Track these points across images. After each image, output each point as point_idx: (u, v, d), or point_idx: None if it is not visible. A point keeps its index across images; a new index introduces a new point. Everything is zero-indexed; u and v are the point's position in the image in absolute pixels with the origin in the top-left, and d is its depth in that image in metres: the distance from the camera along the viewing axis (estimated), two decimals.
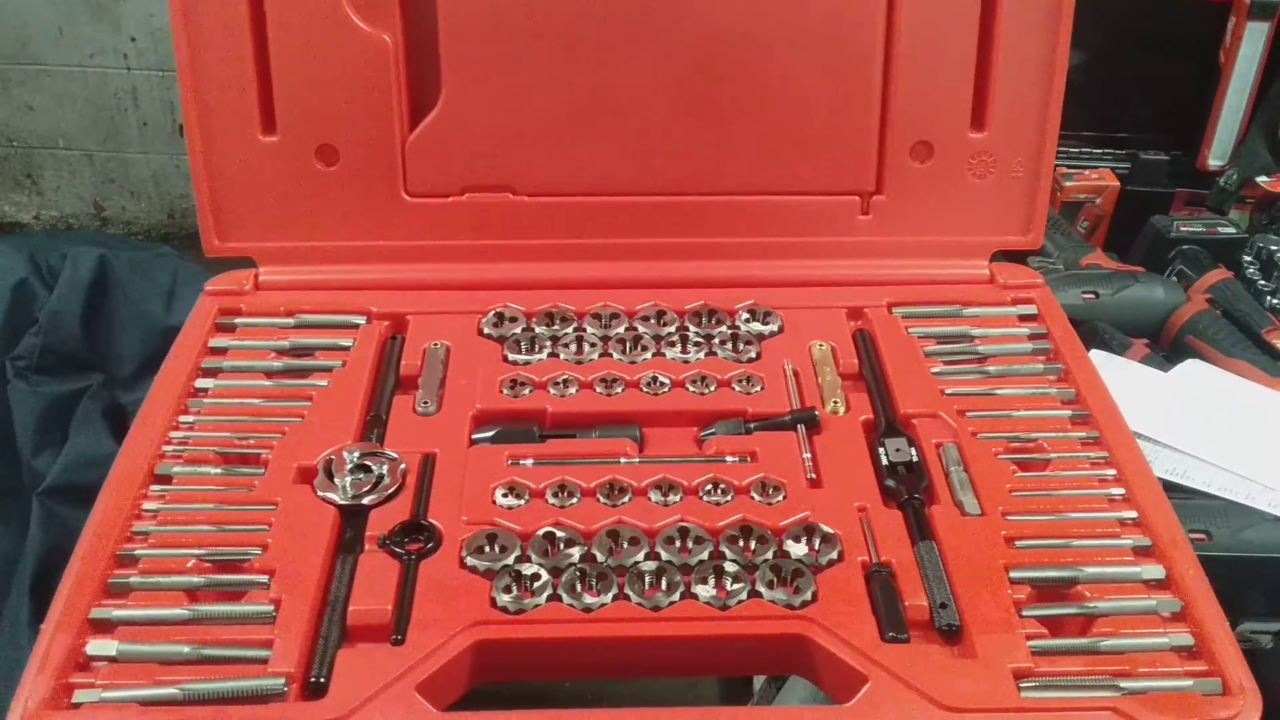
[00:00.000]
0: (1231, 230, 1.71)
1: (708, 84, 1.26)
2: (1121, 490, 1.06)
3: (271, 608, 0.94)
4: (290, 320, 1.24)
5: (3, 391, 1.97)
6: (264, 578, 0.97)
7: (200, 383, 1.16)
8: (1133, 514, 1.04)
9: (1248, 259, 1.70)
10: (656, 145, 1.28)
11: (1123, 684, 0.90)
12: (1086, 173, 1.81)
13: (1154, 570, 0.99)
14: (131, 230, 3.98)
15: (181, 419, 1.12)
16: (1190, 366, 1.43)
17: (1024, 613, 0.95)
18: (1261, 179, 1.78)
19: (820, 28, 1.25)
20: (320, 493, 1.05)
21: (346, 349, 1.21)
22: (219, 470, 1.07)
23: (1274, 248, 1.70)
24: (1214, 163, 1.85)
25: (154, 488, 1.05)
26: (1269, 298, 1.62)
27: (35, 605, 1.81)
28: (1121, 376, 1.37)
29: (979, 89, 1.27)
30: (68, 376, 2.02)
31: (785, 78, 1.26)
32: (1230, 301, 1.57)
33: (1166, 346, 1.53)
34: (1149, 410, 1.31)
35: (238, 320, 1.24)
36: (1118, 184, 1.79)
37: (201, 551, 0.98)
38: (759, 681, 1.93)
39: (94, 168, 3.88)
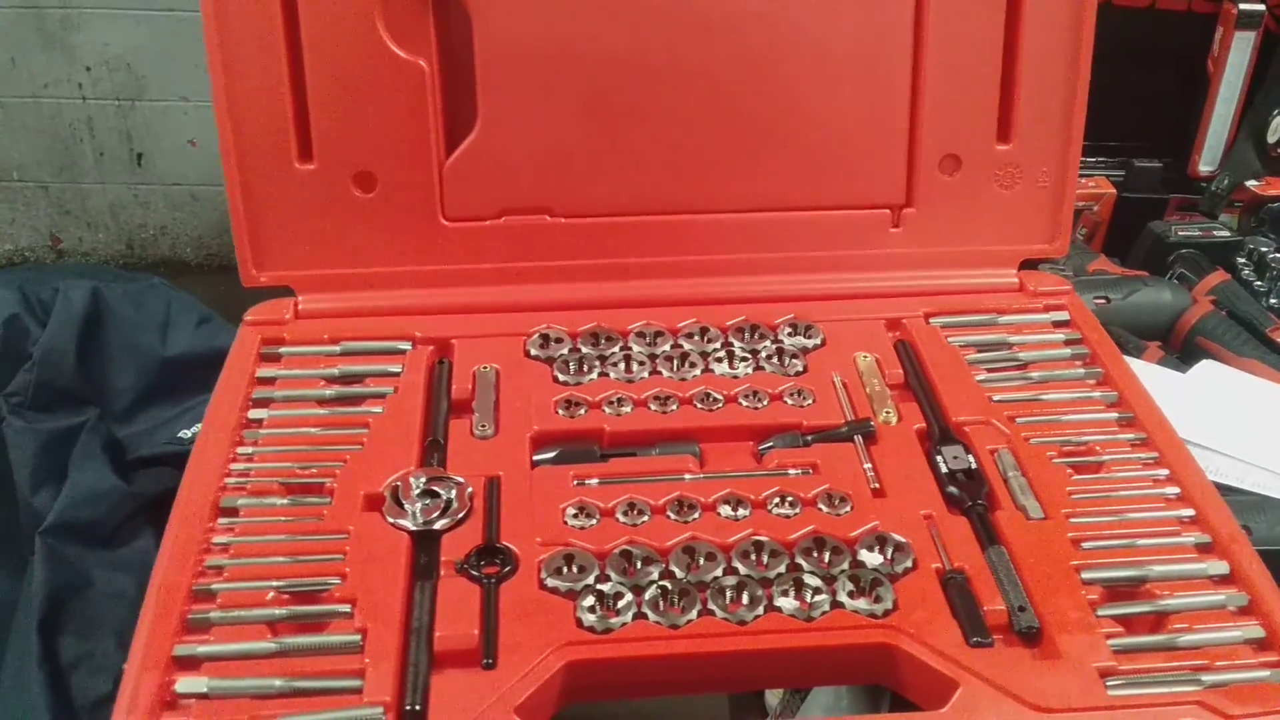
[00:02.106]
0: (1226, 234, 1.76)
1: (740, 103, 1.28)
2: (1176, 489, 1.09)
3: (358, 637, 0.94)
4: (336, 348, 1.23)
5: None
6: (346, 607, 0.96)
7: (253, 413, 1.15)
8: (1190, 512, 1.07)
9: (1241, 260, 1.75)
10: (691, 164, 1.30)
11: (1204, 678, 0.92)
12: (1083, 181, 1.85)
13: (1218, 566, 1.01)
14: (89, 263, 3.92)
15: (239, 450, 1.11)
16: (1206, 367, 1.47)
17: (1099, 612, 0.98)
18: (1250, 183, 1.84)
19: (850, 46, 1.27)
20: (390, 519, 1.04)
21: (396, 375, 1.21)
22: (285, 501, 1.06)
23: (1264, 249, 1.76)
24: (1204, 168, 1.91)
25: (221, 521, 1.04)
26: (1267, 298, 1.68)
27: (44, 644, 1.77)
28: (1142, 379, 1.40)
29: (1004, 102, 1.30)
30: (64, 412, 1.98)
31: (816, 95, 1.29)
32: (1233, 302, 1.62)
33: (1178, 348, 1.57)
34: (1174, 411, 1.34)
35: (282, 350, 1.23)
36: (1114, 191, 1.84)
37: (280, 583, 0.98)
38: (773, 697, 1.94)
39: (49, 199, 3.81)
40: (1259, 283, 1.71)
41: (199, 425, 2.00)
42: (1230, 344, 1.52)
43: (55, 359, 1.98)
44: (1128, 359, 1.43)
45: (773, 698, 1.93)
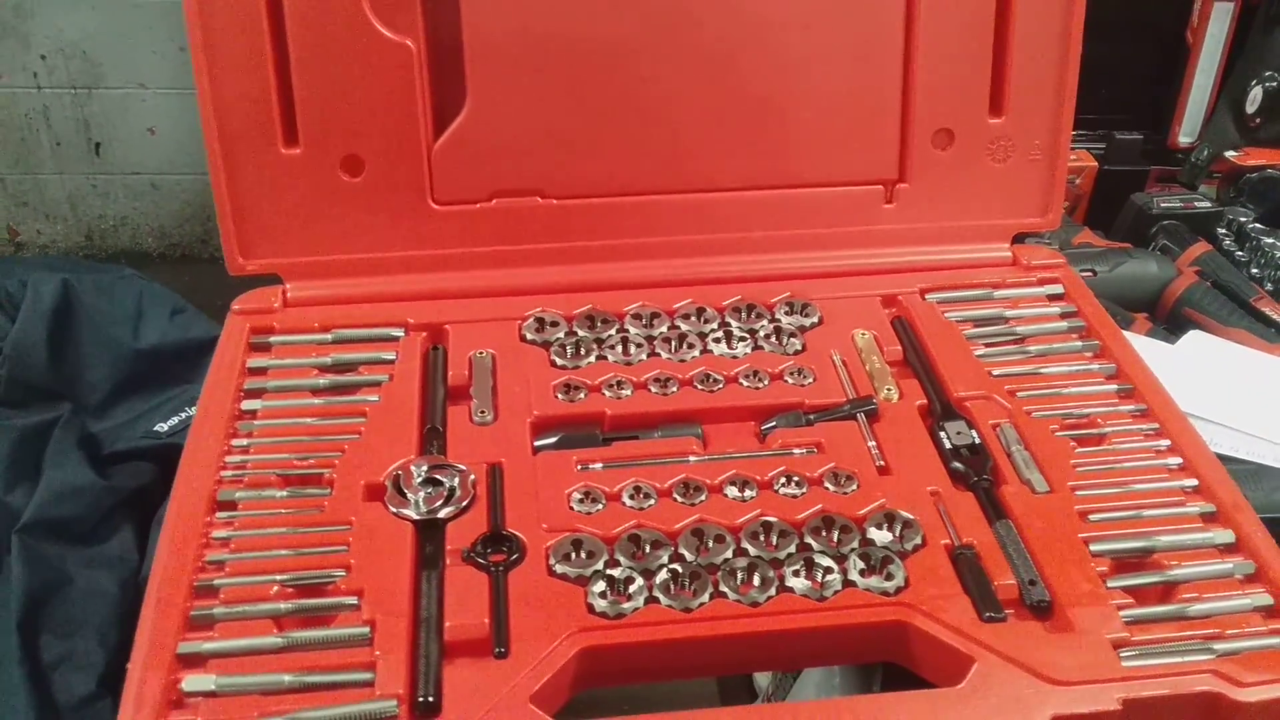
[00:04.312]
0: (1207, 204, 1.77)
1: (732, 80, 1.27)
2: (1179, 459, 1.09)
3: (367, 629, 0.92)
4: (328, 336, 1.21)
5: None
6: (352, 599, 0.94)
7: (246, 404, 1.13)
8: (1193, 482, 1.07)
9: (1222, 231, 1.76)
10: (683, 143, 1.28)
11: (1216, 646, 0.92)
12: None
13: (1224, 535, 1.02)
14: (49, 255, 3.84)
15: (234, 443, 1.09)
16: (1194, 337, 1.48)
17: (1109, 584, 0.98)
18: (1229, 154, 1.85)
19: (841, 21, 1.26)
20: (393, 509, 1.03)
21: (390, 362, 1.19)
22: (284, 493, 1.04)
23: (1243, 219, 1.77)
24: (1184, 140, 1.92)
25: (220, 514, 1.02)
26: (1248, 267, 1.69)
27: (24, 643, 1.73)
28: None
29: (996, 75, 1.29)
30: (36, 408, 1.94)
31: (808, 72, 1.27)
32: (1216, 272, 1.63)
33: (1164, 319, 1.58)
34: (1165, 382, 1.35)
35: (272, 339, 1.21)
36: (1095, 164, 1.85)
37: (284, 577, 0.96)
38: (762, 678, 1.94)
39: (5, 191, 3.73)
40: (1240, 252, 1.73)
41: (175, 418, 1.98)
42: (1216, 314, 1.53)
43: (26, 354, 1.94)
44: None
45: (762, 679, 1.93)
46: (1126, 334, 1.45)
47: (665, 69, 1.26)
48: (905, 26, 1.27)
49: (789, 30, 1.26)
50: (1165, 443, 1.11)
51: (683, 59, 1.25)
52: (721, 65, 1.26)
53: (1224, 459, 1.27)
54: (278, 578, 0.96)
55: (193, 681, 0.88)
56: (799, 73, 1.27)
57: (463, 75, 1.23)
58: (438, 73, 1.24)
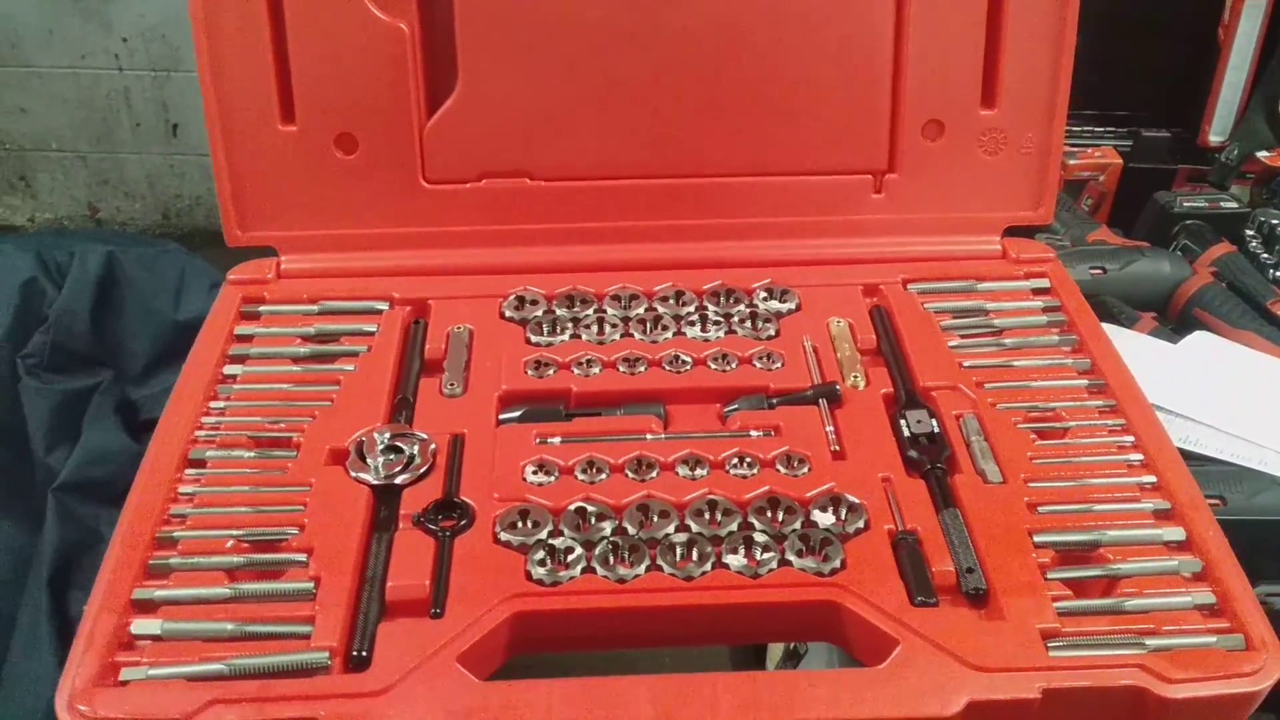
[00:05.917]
0: (1234, 205, 1.73)
1: (722, 66, 1.28)
2: (1140, 456, 1.08)
3: (311, 585, 0.96)
4: (314, 307, 1.25)
5: (14, 389, 1.97)
6: (302, 556, 0.98)
7: (228, 369, 1.17)
8: (1151, 479, 1.06)
9: (1250, 233, 1.72)
10: (672, 128, 1.30)
11: (1148, 642, 0.91)
12: (1089, 151, 1.83)
13: (1174, 532, 1.01)
14: (127, 232, 3.98)
15: (212, 405, 1.13)
16: (1198, 338, 1.45)
17: (1049, 576, 0.97)
18: (1261, 154, 1.81)
19: (833, 9, 1.26)
20: (353, 473, 1.06)
21: (371, 334, 1.22)
22: (252, 454, 1.09)
23: (1275, 221, 1.72)
24: (1214, 139, 1.87)
25: (189, 472, 1.06)
26: (1272, 270, 1.65)
27: (54, 597, 1.82)
28: (1131, 349, 1.39)
29: (989, 66, 1.28)
30: (78, 374, 2.04)
31: (798, 59, 1.28)
32: (1235, 274, 1.59)
33: (1173, 319, 1.55)
34: (1160, 381, 1.33)
35: (262, 308, 1.26)
36: (1120, 161, 1.82)
37: (239, 532, 1.00)
38: (772, 661, 1.95)
39: (88, 169, 3.88)
40: (1266, 255, 1.68)
41: None
42: (1226, 316, 1.49)
43: (70, 321, 2.03)
44: (1117, 329, 1.42)
45: (770, 664, 1.95)
46: (1127, 332, 1.44)
47: (655, 54, 1.27)
48: (896, 15, 1.27)
49: (780, 16, 1.26)
50: (1129, 439, 1.10)
51: (673, 44, 1.27)
52: (712, 51, 1.27)
53: (1210, 460, 1.26)
54: (234, 533, 1.00)
55: (140, 625, 0.92)
56: (789, 60, 1.28)
57: (455, 57, 1.26)
58: (430, 54, 1.27)
